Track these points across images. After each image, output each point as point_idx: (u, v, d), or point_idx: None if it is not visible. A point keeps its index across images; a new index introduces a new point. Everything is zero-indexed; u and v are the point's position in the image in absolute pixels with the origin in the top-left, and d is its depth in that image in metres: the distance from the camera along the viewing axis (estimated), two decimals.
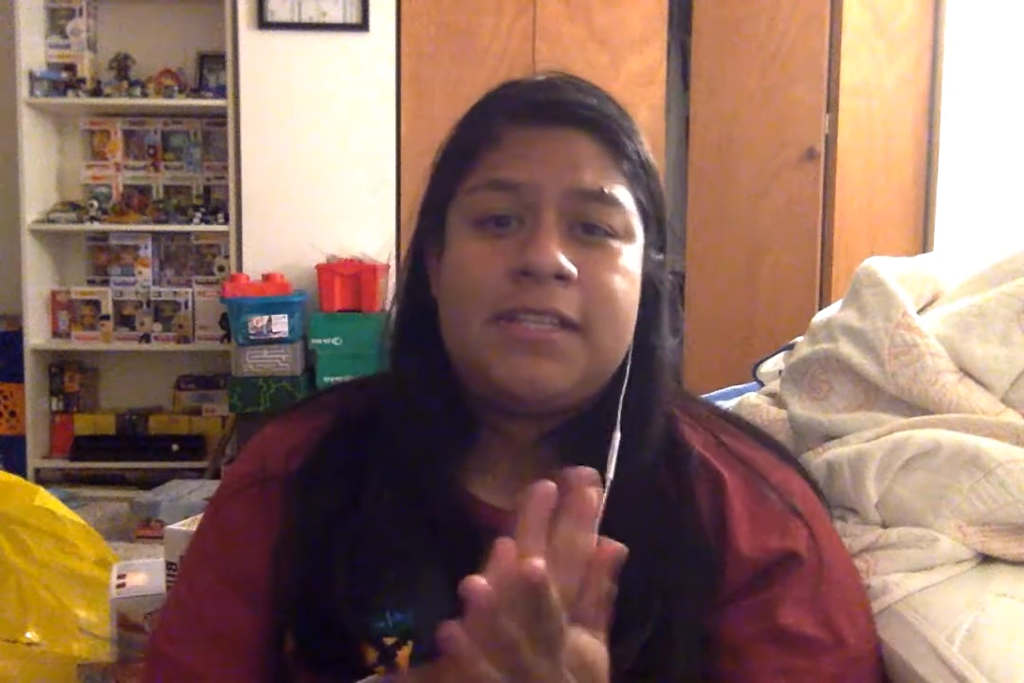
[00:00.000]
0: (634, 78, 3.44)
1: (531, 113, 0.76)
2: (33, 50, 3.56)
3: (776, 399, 1.08)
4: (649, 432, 0.77)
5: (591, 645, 0.57)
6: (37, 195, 3.58)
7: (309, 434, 0.82)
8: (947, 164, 3.47)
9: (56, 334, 3.71)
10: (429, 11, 3.44)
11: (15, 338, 3.61)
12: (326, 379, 3.26)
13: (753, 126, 3.49)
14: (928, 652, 0.75)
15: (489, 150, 0.76)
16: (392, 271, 3.37)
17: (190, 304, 3.75)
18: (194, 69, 3.73)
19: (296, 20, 3.43)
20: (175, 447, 3.62)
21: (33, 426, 3.60)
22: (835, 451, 0.90)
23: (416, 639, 0.72)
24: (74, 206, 3.67)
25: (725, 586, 0.74)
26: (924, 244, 3.52)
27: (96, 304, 3.72)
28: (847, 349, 0.93)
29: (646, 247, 0.78)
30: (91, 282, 3.78)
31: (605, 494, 0.71)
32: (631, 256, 0.76)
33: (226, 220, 3.55)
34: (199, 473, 3.51)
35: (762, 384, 1.20)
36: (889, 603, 0.79)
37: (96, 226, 3.63)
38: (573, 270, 0.72)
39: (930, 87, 3.48)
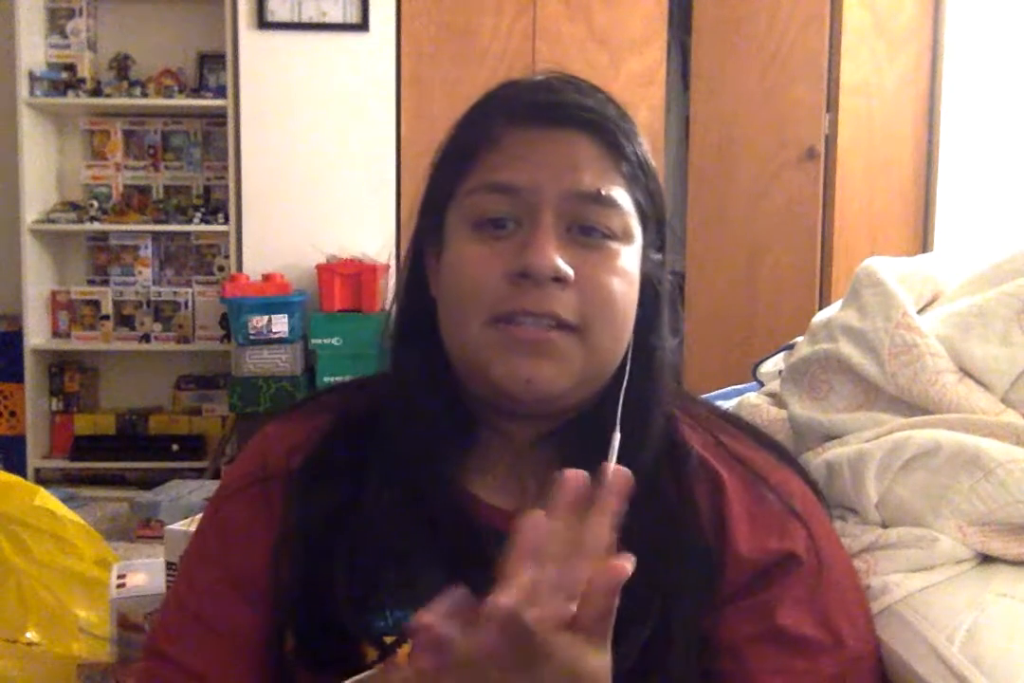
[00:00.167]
0: (634, 78, 3.44)
1: (530, 114, 0.76)
2: (33, 50, 3.56)
3: (776, 399, 1.08)
4: (649, 432, 0.77)
5: (585, 654, 0.57)
6: (37, 195, 3.58)
7: (309, 433, 0.82)
8: (947, 164, 3.47)
9: (56, 334, 3.71)
10: (429, 11, 3.44)
11: (15, 338, 3.61)
12: (326, 379, 3.26)
13: (753, 126, 3.49)
14: (928, 652, 0.75)
15: (487, 151, 0.76)
16: (392, 271, 3.37)
17: (190, 304, 3.75)
18: (194, 69, 3.73)
19: (296, 20, 3.43)
20: (175, 447, 3.62)
21: (33, 426, 3.60)
22: (835, 451, 0.90)
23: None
24: (74, 206, 3.67)
25: (724, 586, 0.74)
26: (924, 244, 3.52)
27: (96, 304, 3.72)
28: (847, 349, 0.93)
29: (645, 248, 0.78)
30: (91, 282, 3.78)
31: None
32: (629, 257, 0.76)
33: (226, 220, 3.55)
34: (199, 473, 3.51)
35: (762, 384, 1.20)
36: (889, 603, 0.79)
37: (96, 226, 3.63)
38: (570, 272, 0.72)
39: (930, 87, 3.48)
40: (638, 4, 3.45)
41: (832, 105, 3.46)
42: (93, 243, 3.79)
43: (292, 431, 0.83)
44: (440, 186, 0.79)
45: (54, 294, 3.69)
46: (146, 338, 3.74)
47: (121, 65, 3.68)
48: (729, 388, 1.31)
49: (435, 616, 0.55)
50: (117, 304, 3.74)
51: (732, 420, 0.87)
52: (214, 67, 3.68)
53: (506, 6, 3.44)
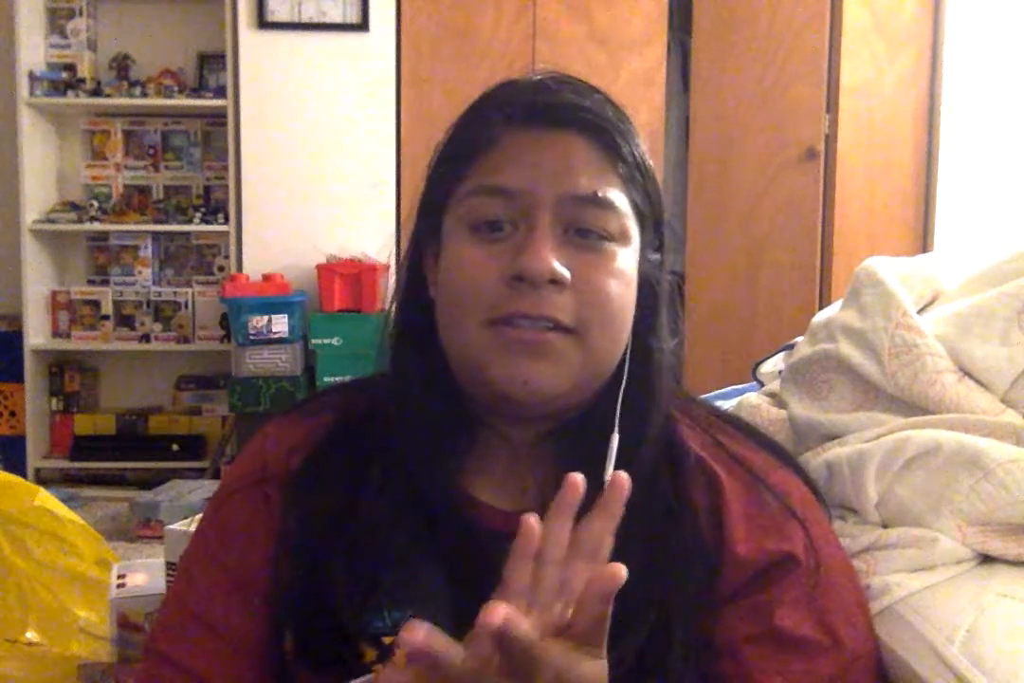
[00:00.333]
0: (634, 78, 3.44)
1: (526, 115, 0.76)
2: (33, 50, 3.56)
3: (776, 399, 1.08)
4: (647, 433, 0.77)
5: (579, 661, 0.57)
6: (37, 195, 3.58)
7: (309, 434, 0.82)
8: (947, 164, 3.47)
9: (56, 334, 3.71)
10: (429, 11, 3.43)
11: (15, 338, 3.60)
12: (326, 379, 3.26)
13: (753, 126, 3.49)
14: (928, 652, 0.75)
15: (484, 153, 0.76)
16: (392, 271, 3.36)
17: (190, 304, 3.75)
18: (194, 69, 3.73)
19: (296, 20, 3.43)
20: (175, 447, 3.62)
21: (33, 426, 3.60)
22: (835, 451, 0.90)
23: None
24: (74, 206, 3.67)
25: (722, 587, 0.74)
26: (924, 244, 3.52)
27: (96, 304, 3.72)
28: (847, 349, 0.93)
29: (643, 249, 0.78)
30: (91, 282, 3.78)
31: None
32: (626, 259, 0.76)
33: (226, 220, 3.55)
34: (199, 473, 3.51)
35: (762, 384, 1.20)
36: (889, 603, 0.79)
37: (96, 226, 3.63)
38: (566, 275, 0.72)
39: (930, 87, 3.48)
40: (638, 4, 3.45)
41: (832, 105, 3.46)
42: (93, 243, 3.79)
43: (292, 431, 0.83)
44: (438, 188, 0.79)
45: (54, 294, 3.69)
46: (146, 338, 3.73)
47: (121, 65, 3.68)
48: (729, 388, 1.31)
49: (425, 631, 0.55)
50: (117, 304, 3.74)
51: (731, 421, 0.87)
52: (214, 67, 3.68)
53: (506, 6, 3.44)
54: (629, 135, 0.77)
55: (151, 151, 3.76)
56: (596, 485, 0.61)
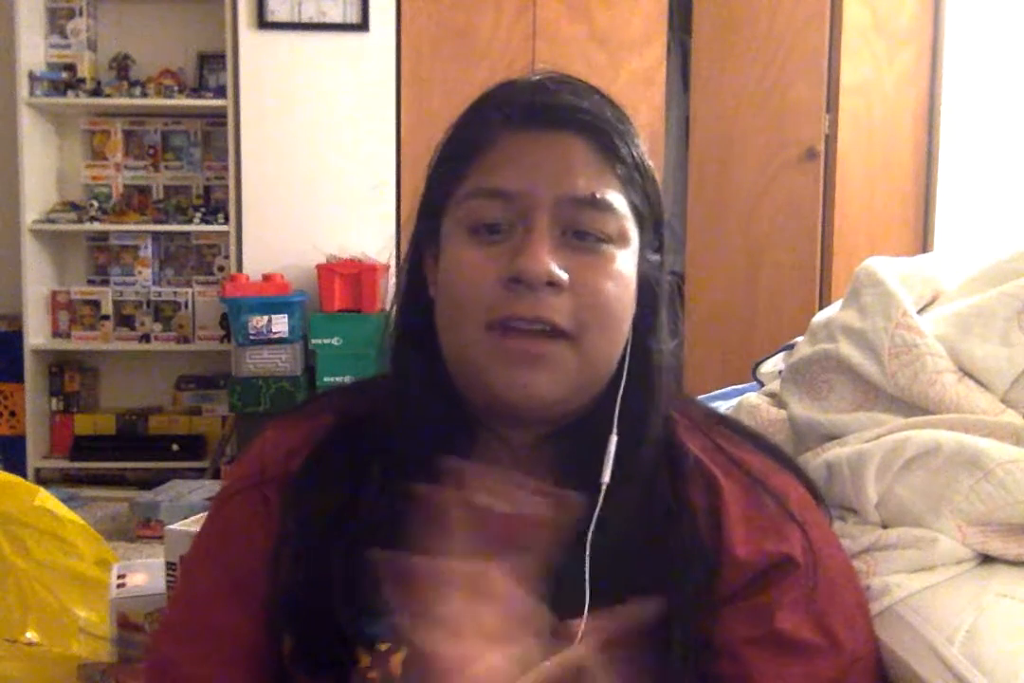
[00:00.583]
0: (634, 78, 3.44)
1: (525, 116, 0.76)
2: (33, 50, 3.55)
3: (776, 399, 1.08)
4: (646, 435, 0.77)
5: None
6: (37, 195, 3.58)
7: (308, 436, 0.82)
8: (947, 164, 3.47)
9: (56, 334, 3.70)
10: (429, 11, 3.43)
11: (15, 338, 3.60)
12: (326, 379, 3.26)
13: (753, 126, 3.49)
14: (928, 652, 0.75)
15: (483, 154, 0.76)
16: (392, 271, 3.37)
17: (190, 304, 3.75)
18: (194, 69, 3.73)
19: (296, 20, 3.42)
20: (175, 447, 3.62)
21: (33, 426, 3.59)
22: (835, 451, 0.90)
23: (410, 644, 0.72)
24: (74, 206, 3.67)
25: (721, 589, 0.74)
26: (924, 244, 3.51)
27: (96, 304, 3.72)
28: (847, 349, 0.93)
29: (642, 250, 0.78)
30: (91, 282, 3.78)
31: (601, 498, 0.71)
32: (625, 260, 0.76)
33: (226, 220, 3.55)
34: (199, 473, 3.51)
35: (762, 384, 1.20)
36: (889, 604, 0.79)
37: (96, 226, 3.63)
38: (564, 277, 0.72)
39: (930, 87, 3.48)
40: (638, 4, 3.45)
41: (832, 105, 3.46)
42: (93, 243, 3.79)
43: (291, 434, 0.83)
44: (437, 189, 0.79)
45: (54, 294, 3.69)
46: (146, 338, 3.73)
47: (121, 65, 3.68)
48: (729, 388, 1.31)
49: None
50: (117, 304, 3.74)
51: (730, 424, 0.87)
52: (214, 67, 3.68)
53: (506, 6, 3.44)
54: (628, 136, 0.77)
55: (151, 151, 3.76)
56: (595, 486, 0.61)
